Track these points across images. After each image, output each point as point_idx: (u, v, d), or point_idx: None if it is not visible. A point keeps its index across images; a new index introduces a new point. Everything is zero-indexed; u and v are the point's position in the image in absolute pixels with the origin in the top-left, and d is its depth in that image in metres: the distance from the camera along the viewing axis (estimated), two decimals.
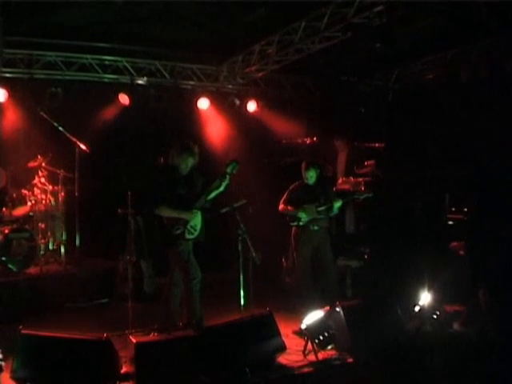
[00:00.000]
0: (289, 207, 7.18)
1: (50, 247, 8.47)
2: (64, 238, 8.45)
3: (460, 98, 8.77)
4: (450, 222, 8.38)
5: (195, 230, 6.04)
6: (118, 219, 7.69)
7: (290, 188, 7.37)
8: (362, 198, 7.41)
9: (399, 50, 8.69)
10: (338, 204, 7.10)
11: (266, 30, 8.11)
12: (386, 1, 6.37)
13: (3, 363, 4.83)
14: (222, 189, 5.95)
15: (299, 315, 6.17)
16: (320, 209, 7.11)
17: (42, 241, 8.31)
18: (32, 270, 7.85)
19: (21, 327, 4.81)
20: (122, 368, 5.07)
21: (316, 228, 7.17)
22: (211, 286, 7.45)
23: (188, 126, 9.62)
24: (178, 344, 5.07)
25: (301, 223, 7.14)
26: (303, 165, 7.23)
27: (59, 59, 8.70)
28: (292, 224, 7.23)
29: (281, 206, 7.28)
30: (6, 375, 4.76)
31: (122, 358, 5.19)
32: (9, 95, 8.32)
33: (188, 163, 6.08)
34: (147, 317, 6.42)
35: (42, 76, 8.68)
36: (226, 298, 7.15)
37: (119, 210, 7.30)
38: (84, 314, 7.24)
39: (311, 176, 7.18)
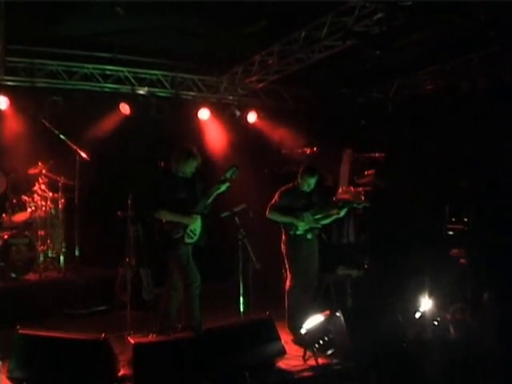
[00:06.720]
0: (285, 215, 6.68)
1: (50, 255, 8.45)
2: (63, 245, 8.40)
3: (460, 109, 8.80)
4: (451, 233, 8.35)
5: (195, 235, 6.03)
6: (118, 227, 7.68)
7: (281, 191, 6.78)
8: (360, 207, 7.02)
9: (399, 61, 8.77)
10: (342, 212, 6.70)
11: (266, 41, 8.13)
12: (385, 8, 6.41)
13: (0, 363, 4.79)
14: (221, 190, 5.95)
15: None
16: (317, 217, 6.72)
17: (42, 248, 8.28)
18: (31, 276, 7.82)
19: (18, 327, 4.78)
20: (119, 371, 5.02)
21: (310, 237, 6.75)
22: (211, 296, 7.39)
23: (188, 135, 9.57)
24: (177, 346, 5.04)
25: (298, 232, 6.70)
26: (304, 169, 6.71)
27: (61, 68, 8.70)
28: (290, 232, 6.71)
29: (271, 213, 6.69)
30: (3, 376, 4.73)
31: (120, 362, 5.14)
32: (10, 103, 8.30)
33: (191, 167, 6.08)
34: (146, 324, 6.40)
35: (44, 85, 8.68)
36: (226, 306, 7.12)
37: (119, 213, 7.27)
38: (82, 320, 7.20)
39: (312, 183, 6.70)
